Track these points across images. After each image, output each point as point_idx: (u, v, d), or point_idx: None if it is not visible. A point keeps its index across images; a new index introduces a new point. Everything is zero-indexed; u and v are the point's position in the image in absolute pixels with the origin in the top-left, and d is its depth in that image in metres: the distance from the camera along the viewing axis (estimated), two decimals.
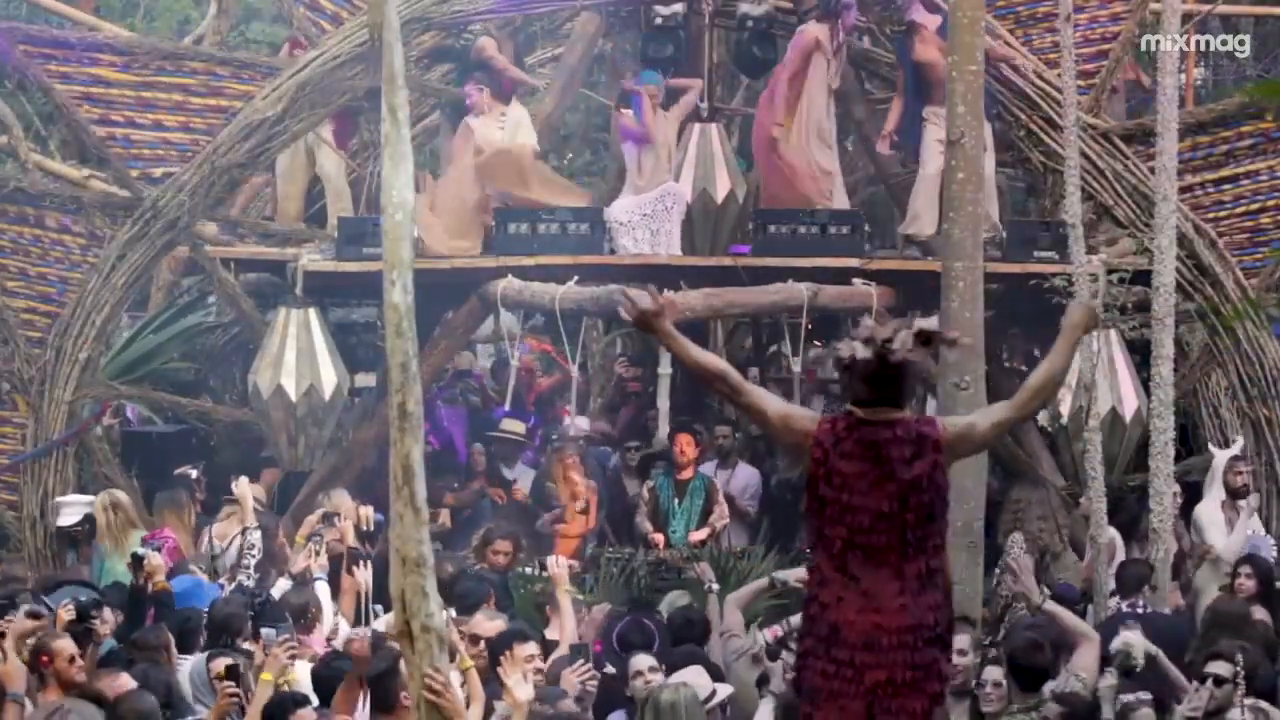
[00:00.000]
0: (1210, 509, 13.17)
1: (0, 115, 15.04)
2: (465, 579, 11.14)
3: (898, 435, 6.82)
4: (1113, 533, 13.11)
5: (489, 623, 9.78)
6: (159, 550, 10.97)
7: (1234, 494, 13.10)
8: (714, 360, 7.14)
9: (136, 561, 10.74)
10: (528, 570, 12.41)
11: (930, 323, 6.87)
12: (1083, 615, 12.32)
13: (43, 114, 16.80)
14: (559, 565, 10.85)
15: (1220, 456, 13.36)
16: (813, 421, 6.94)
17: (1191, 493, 13.83)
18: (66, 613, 9.73)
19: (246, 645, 9.81)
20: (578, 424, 15.49)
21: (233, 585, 11.45)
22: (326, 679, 9.09)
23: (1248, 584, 11.73)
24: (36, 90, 14.62)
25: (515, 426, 14.87)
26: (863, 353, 6.78)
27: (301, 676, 9.28)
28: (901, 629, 6.75)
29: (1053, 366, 7.05)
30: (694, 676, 9.04)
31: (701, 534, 13.42)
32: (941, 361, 12.29)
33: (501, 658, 8.57)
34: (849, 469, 6.80)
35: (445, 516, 13.96)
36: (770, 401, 7.09)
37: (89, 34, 14.92)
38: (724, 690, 9.17)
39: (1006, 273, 13.97)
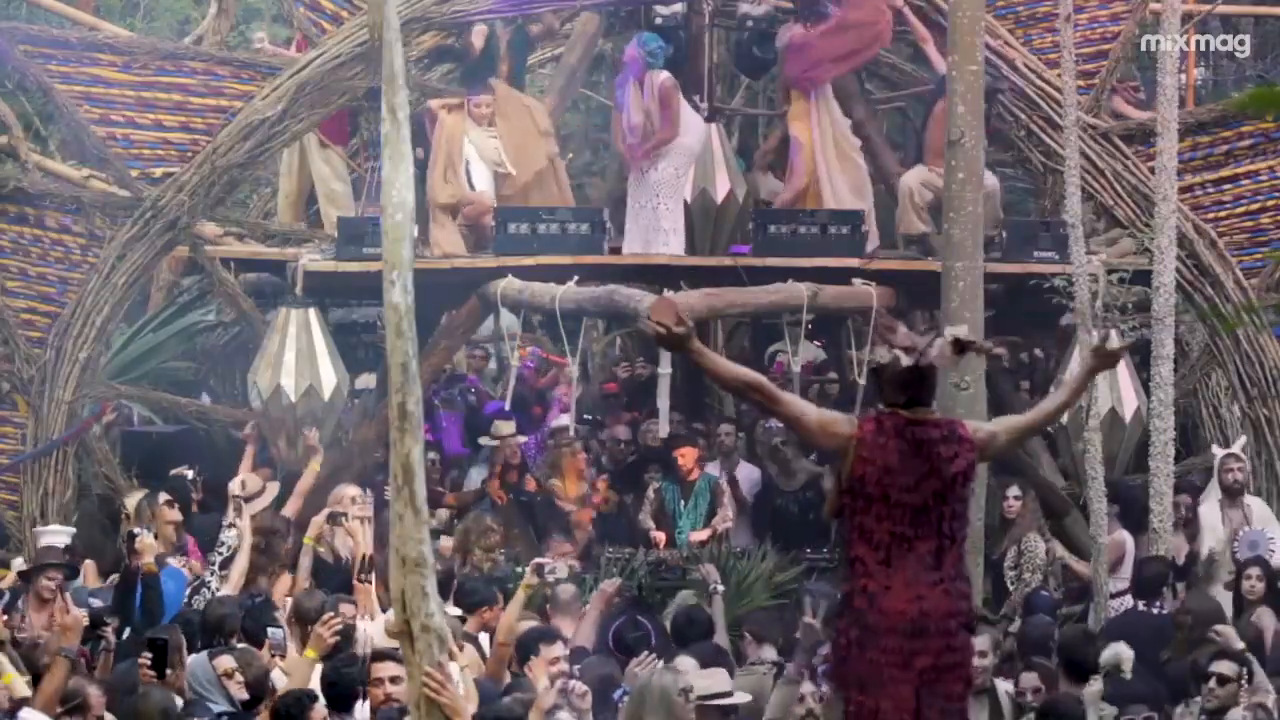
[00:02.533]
0: (1208, 510, 13.16)
1: (0, 115, 15.04)
2: (472, 580, 11.19)
3: (943, 435, 7.18)
4: (1124, 534, 13.11)
5: None
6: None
7: (1227, 490, 13.09)
8: (746, 372, 7.41)
9: (130, 540, 10.84)
10: (519, 569, 12.43)
11: (962, 330, 7.29)
12: (1084, 617, 12.36)
13: (43, 114, 16.83)
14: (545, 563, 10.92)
15: (1219, 455, 13.35)
16: (851, 424, 7.24)
17: (1195, 496, 13.82)
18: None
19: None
20: (564, 423, 15.47)
21: (195, 581, 11.52)
22: (336, 682, 9.08)
23: (1257, 586, 11.71)
24: (36, 90, 14.62)
25: (505, 428, 14.87)
26: (907, 361, 7.11)
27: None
28: (943, 614, 7.10)
29: (1066, 397, 7.74)
30: (715, 678, 9.00)
31: (703, 534, 13.43)
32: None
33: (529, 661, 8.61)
34: (898, 465, 7.11)
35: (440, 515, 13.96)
36: (807, 408, 7.42)
37: (89, 34, 14.91)
38: (741, 697, 9.13)
39: (1006, 273, 13.98)
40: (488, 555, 12.41)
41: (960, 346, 7.16)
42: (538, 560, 11.16)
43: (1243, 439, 13.70)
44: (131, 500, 12.66)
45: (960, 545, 7.26)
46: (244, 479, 12.56)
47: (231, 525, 11.92)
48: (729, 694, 8.99)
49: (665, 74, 14.41)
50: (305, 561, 11.64)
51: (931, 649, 7.07)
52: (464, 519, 13.44)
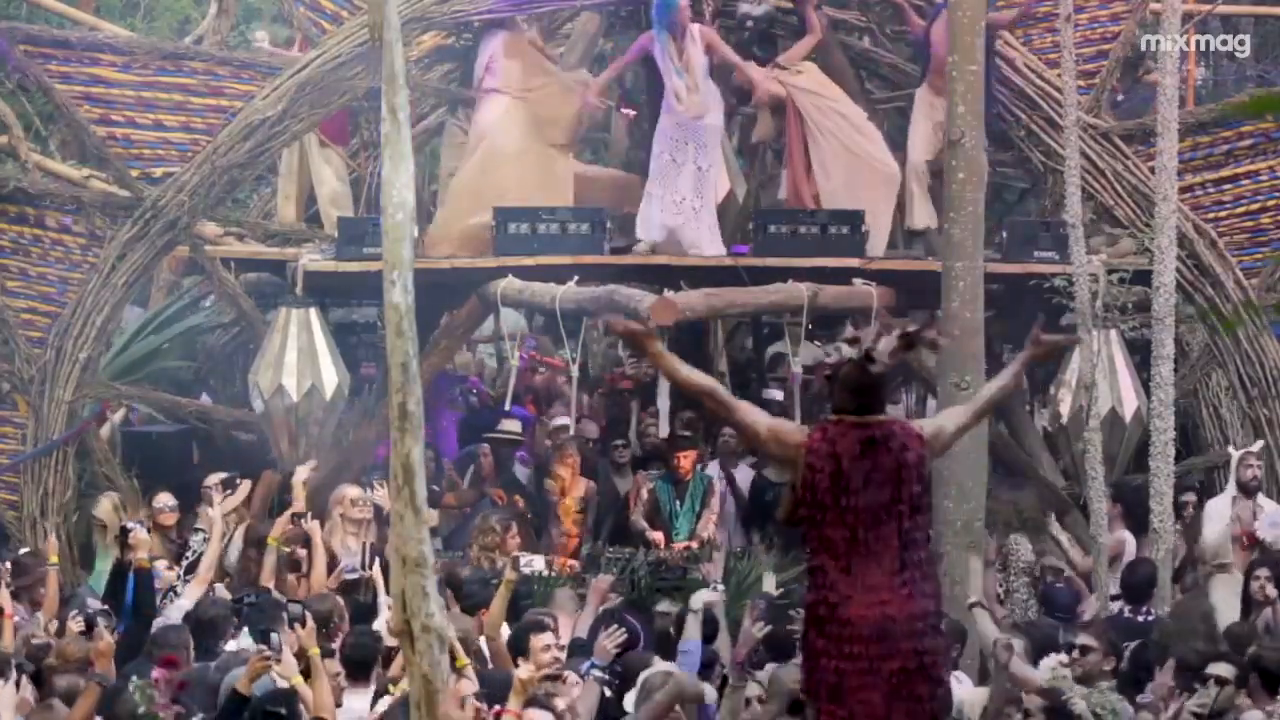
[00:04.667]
0: (1219, 504, 13.11)
1: (0, 115, 15.03)
2: (471, 581, 11.22)
3: (889, 431, 7.22)
4: (1125, 534, 13.09)
5: None
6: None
7: (1244, 488, 13.03)
8: (702, 378, 7.43)
9: (124, 534, 10.85)
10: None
11: (908, 324, 7.32)
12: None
13: (43, 114, 16.82)
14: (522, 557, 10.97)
15: (1237, 453, 13.30)
16: (802, 433, 7.29)
17: (1199, 495, 13.81)
18: (76, 624, 9.78)
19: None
20: (564, 422, 15.47)
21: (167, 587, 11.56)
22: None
23: (1266, 587, 11.67)
24: (36, 90, 14.61)
25: (512, 426, 14.87)
26: (847, 352, 7.15)
27: None
28: (910, 617, 7.08)
29: (1005, 383, 7.65)
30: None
31: (691, 543, 13.37)
32: (942, 361, 12.32)
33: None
34: (849, 468, 7.12)
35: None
36: (760, 417, 7.39)
37: (89, 34, 14.91)
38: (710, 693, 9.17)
39: (1006, 273, 13.98)
40: (485, 554, 12.42)
41: (908, 341, 7.21)
42: (515, 554, 11.21)
43: (1260, 443, 13.64)
44: (103, 505, 12.67)
45: (924, 545, 7.27)
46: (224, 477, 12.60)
47: (198, 530, 11.95)
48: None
49: (704, 26, 14.43)
50: (270, 560, 11.64)
51: (899, 652, 7.05)
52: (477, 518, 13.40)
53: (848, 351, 7.15)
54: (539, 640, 9.33)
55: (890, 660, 7.03)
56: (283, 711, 8.63)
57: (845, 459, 7.13)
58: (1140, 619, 11.67)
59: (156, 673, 8.58)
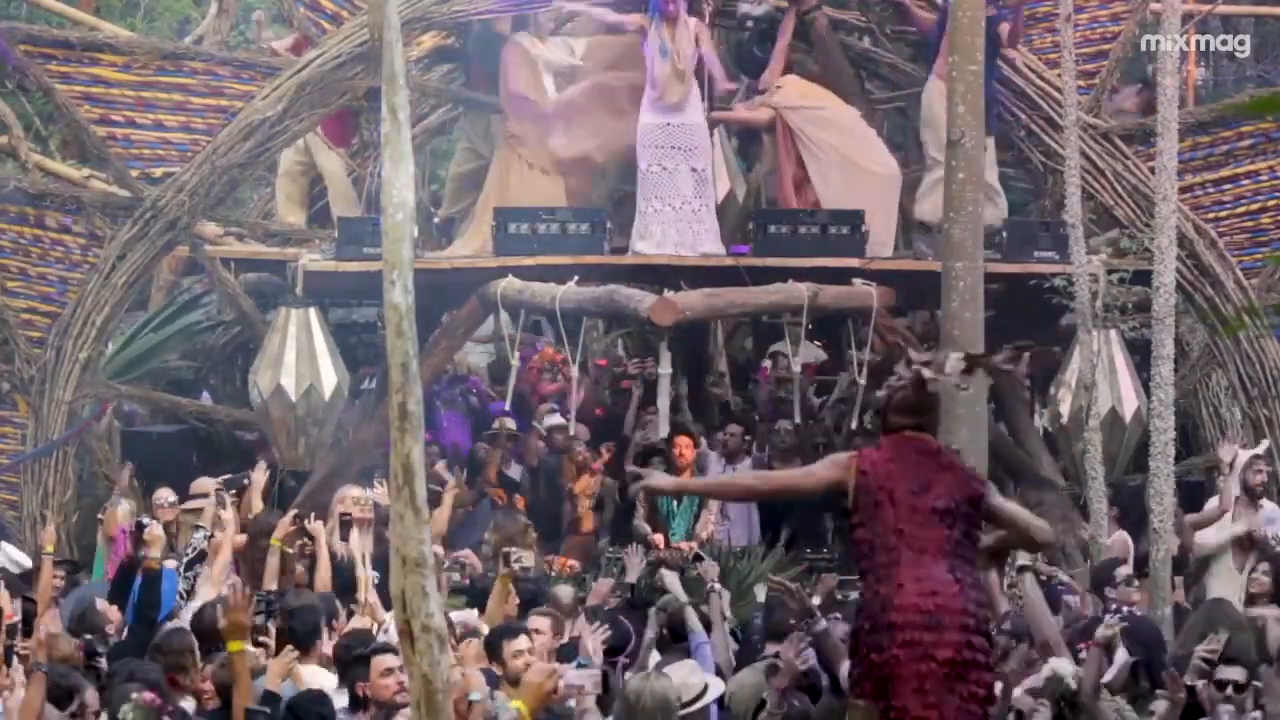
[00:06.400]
0: (1211, 505, 13.06)
1: (0, 115, 15.04)
2: (486, 581, 11.23)
3: (943, 448, 7.52)
4: (1123, 535, 13.07)
5: None
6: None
7: (1249, 492, 12.90)
8: (734, 483, 8.00)
9: (138, 529, 10.83)
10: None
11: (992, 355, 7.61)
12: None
13: (43, 114, 16.82)
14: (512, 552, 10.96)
15: (1242, 455, 13.18)
16: (849, 453, 7.60)
17: (1190, 492, 13.78)
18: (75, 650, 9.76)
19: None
20: (562, 422, 15.47)
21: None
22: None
23: (1263, 580, 11.65)
24: (36, 90, 14.63)
25: (509, 424, 14.87)
26: (929, 374, 7.35)
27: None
28: (959, 611, 7.23)
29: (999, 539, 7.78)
30: (686, 673, 8.98)
31: (691, 544, 13.35)
32: None
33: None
34: (899, 469, 7.34)
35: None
36: (803, 471, 7.87)
37: (89, 34, 14.92)
38: (716, 688, 9.12)
39: (1006, 273, 13.98)
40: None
41: (971, 363, 7.38)
42: (505, 549, 11.19)
43: (1266, 442, 13.57)
44: (123, 509, 12.65)
45: (974, 567, 7.42)
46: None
47: (199, 527, 11.93)
48: (705, 690, 8.95)
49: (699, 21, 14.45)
50: (273, 562, 11.61)
51: (950, 643, 7.18)
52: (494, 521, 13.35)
53: (928, 374, 7.35)
54: (512, 645, 9.28)
55: (943, 649, 7.15)
56: (322, 712, 8.62)
57: (900, 460, 7.35)
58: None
59: (147, 695, 8.54)
